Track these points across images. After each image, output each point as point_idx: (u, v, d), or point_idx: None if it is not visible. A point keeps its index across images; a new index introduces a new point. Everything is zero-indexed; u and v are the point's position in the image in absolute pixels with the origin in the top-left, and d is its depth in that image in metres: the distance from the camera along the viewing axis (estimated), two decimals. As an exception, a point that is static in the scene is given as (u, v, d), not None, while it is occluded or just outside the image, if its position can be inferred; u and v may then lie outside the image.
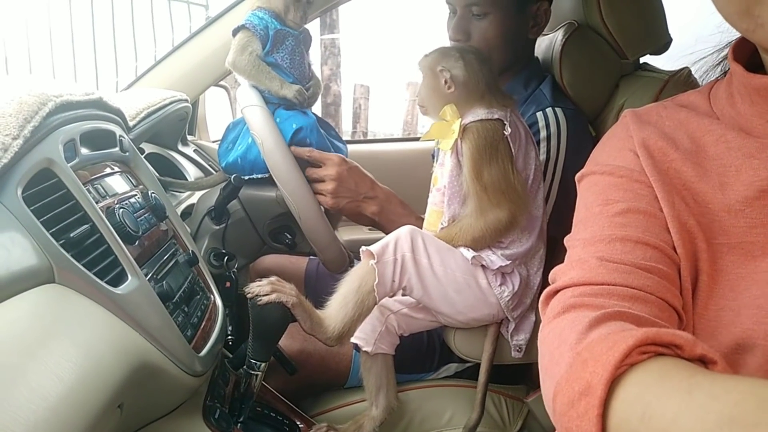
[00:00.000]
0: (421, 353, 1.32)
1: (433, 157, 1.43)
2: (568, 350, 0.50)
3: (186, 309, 0.92)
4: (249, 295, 0.92)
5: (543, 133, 1.20)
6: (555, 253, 1.25)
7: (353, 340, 1.10)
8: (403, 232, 1.01)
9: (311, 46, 1.35)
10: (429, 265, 1.01)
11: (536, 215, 1.07)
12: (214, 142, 2.11)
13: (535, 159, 1.08)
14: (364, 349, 1.10)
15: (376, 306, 1.01)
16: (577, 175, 0.71)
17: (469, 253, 1.02)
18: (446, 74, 1.02)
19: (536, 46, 1.45)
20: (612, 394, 0.43)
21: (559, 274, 0.61)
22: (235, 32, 1.24)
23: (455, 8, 1.26)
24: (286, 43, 1.25)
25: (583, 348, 0.48)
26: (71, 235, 0.71)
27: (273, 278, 0.95)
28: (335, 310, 0.98)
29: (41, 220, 0.67)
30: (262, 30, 1.22)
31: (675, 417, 0.37)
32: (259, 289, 0.92)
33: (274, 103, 1.25)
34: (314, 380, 1.30)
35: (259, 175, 1.25)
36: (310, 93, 1.32)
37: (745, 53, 0.60)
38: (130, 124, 1.16)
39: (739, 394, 0.36)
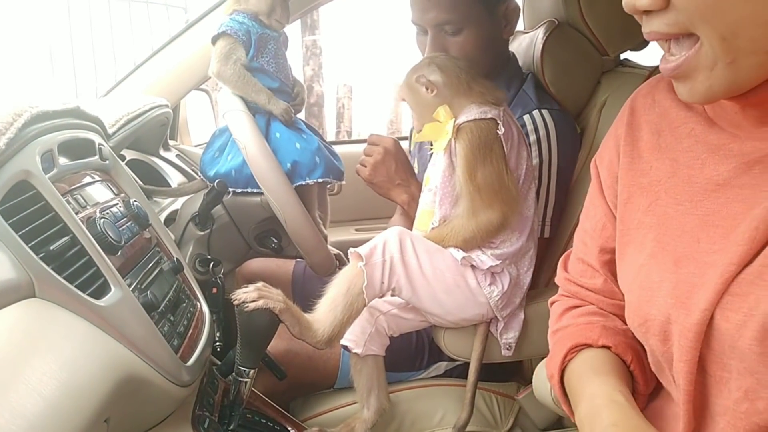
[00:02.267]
0: (411, 352, 1.32)
1: (409, 152, 1.44)
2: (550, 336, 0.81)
3: (172, 318, 0.91)
4: (236, 302, 0.91)
5: (532, 137, 1.20)
6: (550, 254, 1.26)
7: (343, 342, 1.09)
8: (392, 233, 1.01)
9: (289, 48, 1.34)
10: (418, 266, 1.01)
11: (527, 215, 1.08)
12: (196, 146, 2.09)
13: (527, 159, 1.08)
14: (354, 351, 1.10)
15: (365, 307, 1.01)
16: (592, 162, 0.78)
17: (459, 254, 1.02)
18: (422, 80, 1.03)
19: (517, 44, 1.46)
20: (563, 378, 0.72)
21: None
22: (215, 39, 1.22)
23: (425, 29, 1.24)
24: (268, 47, 1.24)
25: (552, 343, 0.78)
26: (51, 247, 0.69)
27: (260, 284, 0.94)
28: (324, 313, 0.98)
29: (20, 233, 0.65)
30: (244, 35, 1.20)
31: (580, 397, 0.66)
32: (246, 295, 0.91)
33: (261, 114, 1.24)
34: (302, 381, 1.29)
35: (254, 190, 1.23)
36: (298, 100, 1.32)
37: None
38: (110, 131, 1.14)
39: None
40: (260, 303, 0.91)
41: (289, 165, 1.22)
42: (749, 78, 0.51)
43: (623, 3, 0.54)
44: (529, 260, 1.09)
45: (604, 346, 0.70)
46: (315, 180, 1.25)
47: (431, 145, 1.08)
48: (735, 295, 0.53)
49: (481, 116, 1.01)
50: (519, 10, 1.30)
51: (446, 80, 1.03)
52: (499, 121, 1.01)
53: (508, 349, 1.11)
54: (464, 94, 1.03)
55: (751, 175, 0.55)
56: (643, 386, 0.69)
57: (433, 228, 1.07)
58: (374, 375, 1.12)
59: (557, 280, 0.84)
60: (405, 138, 2.52)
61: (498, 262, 1.04)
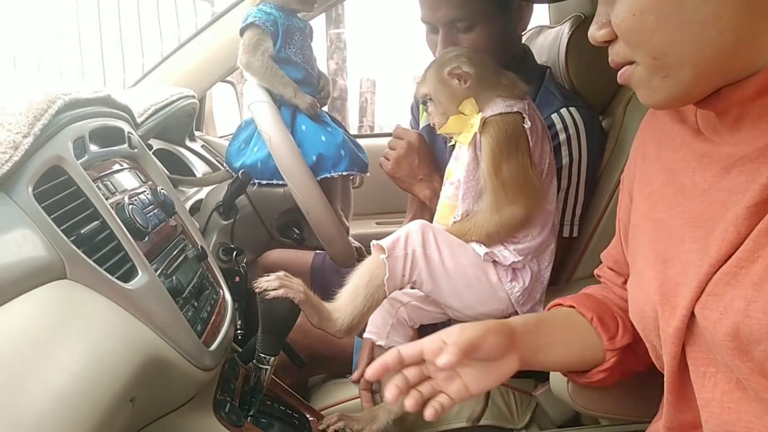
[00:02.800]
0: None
1: (445, 143, 1.43)
2: None
3: (196, 304, 0.93)
4: (258, 290, 0.92)
5: (562, 136, 1.18)
6: (572, 251, 1.26)
7: (366, 335, 1.10)
8: (414, 226, 1.01)
9: (314, 41, 1.35)
10: (440, 260, 1.01)
11: (549, 210, 1.07)
12: (221, 137, 2.12)
13: (549, 153, 1.08)
14: (378, 343, 1.10)
15: (385, 299, 1.02)
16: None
17: (481, 249, 1.02)
18: (457, 71, 1.01)
19: (543, 39, 1.45)
20: None
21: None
22: (242, 30, 1.23)
23: (435, 27, 1.22)
24: (295, 38, 1.25)
25: None
26: (82, 231, 0.71)
27: (281, 273, 0.95)
28: (344, 303, 0.99)
29: (52, 216, 0.67)
30: (272, 26, 1.21)
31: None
32: (268, 284, 0.93)
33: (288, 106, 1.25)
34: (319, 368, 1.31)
35: (279, 182, 1.24)
36: (323, 93, 1.32)
37: None
38: (138, 120, 1.17)
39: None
40: (281, 292, 0.92)
41: (314, 158, 1.23)
42: (687, 86, 0.58)
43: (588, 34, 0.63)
44: (549, 255, 1.09)
45: (570, 306, 0.84)
46: (340, 173, 1.26)
47: (450, 138, 1.08)
48: (713, 295, 0.57)
49: (508, 110, 1.00)
50: (532, 5, 1.28)
51: (478, 71, 1.02)
52: (524, 115, 1.00)
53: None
54: (492, 86, 1.02)
55: (728, 179, 0.60)
56: (606, 341, 0.80)
57: (455, 222, 1.07)
58: None
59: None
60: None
61: (520, 258, 1.04)
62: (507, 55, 1.25)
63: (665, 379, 0.67)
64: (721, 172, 0.60)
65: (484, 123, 1.00)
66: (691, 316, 0.60)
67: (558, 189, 1.16)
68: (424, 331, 1.17)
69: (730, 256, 0.56)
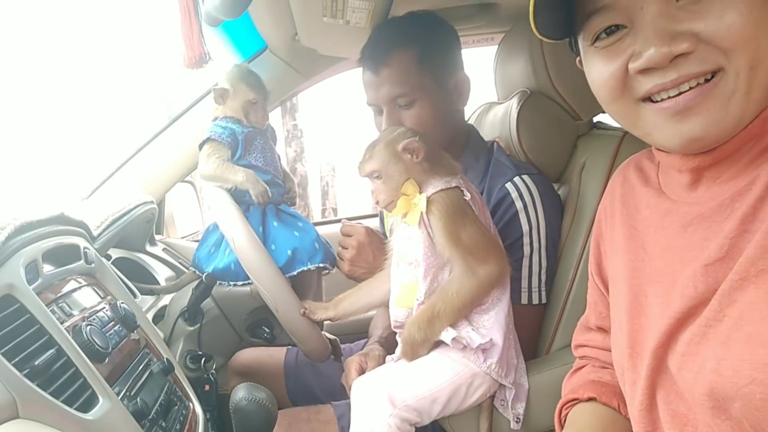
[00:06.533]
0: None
1: (387, 234, 1.43)
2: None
3: (164, 424, 0.87)
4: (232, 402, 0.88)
5: (519, 204, 1.20)
6: (547, 320, 1.24)
7: None
8: (372, 407, 1.02)
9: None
10: (419, 396, 1.01)
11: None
12: (183, 237, 2.08)
13: (489, 218, 1.10)
14: None
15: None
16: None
17: (448, 336, 1.01)
18: (413, 145, 1.03)
19: (492, 115, 1.49)
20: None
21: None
22: (201, 145, 1.26)
23: (379, 107, 1.26)
24: (255, 143, 1.27)
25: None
26: (36, 362, 0.67)
27: None
28: None
29: (3, 350, 0.64)
30: (229, 137, 1.24)
31: None
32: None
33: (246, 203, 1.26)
34: None
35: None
36: (291, 194, 1.35)
37: None
38: (95, 233, 1.14)
39: None
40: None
41: (289, 252, 1.22)
42: (750, 113, 0.56)
43: (648, 58, 0.57)
44: (509, 317, 1.08)
45: (590, 399, 0.80)
46: (316, 265, 1.25)
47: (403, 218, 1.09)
48: (687, 355, 0.58)
49: (447, 185, 1.03)
50: (468, 81, 1.32)
51: (426, 150, 1.05)
52: (462, 189, 1.03)
53: (517, 421, 1.08)
54: (427, 169, 1.05)
55: (685, 237, 0.61)
56: None
57: (419, 303, 1.05)
58: None
59: (573, 350, 0.92)
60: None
61: (488, 340, 1.02)
62: (450, 131, 1.29)
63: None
64: (679, 230, 0.62)
65: (428, 201, 1.02)
66: (670, 376, 0.60)
67: (520, 257, 1.17)
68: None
69: (690, 311, 0.58)
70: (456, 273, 1.03)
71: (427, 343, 1.05)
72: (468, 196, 1.02)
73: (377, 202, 1.09)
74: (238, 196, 1.25)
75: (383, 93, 1.23)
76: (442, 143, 1.21)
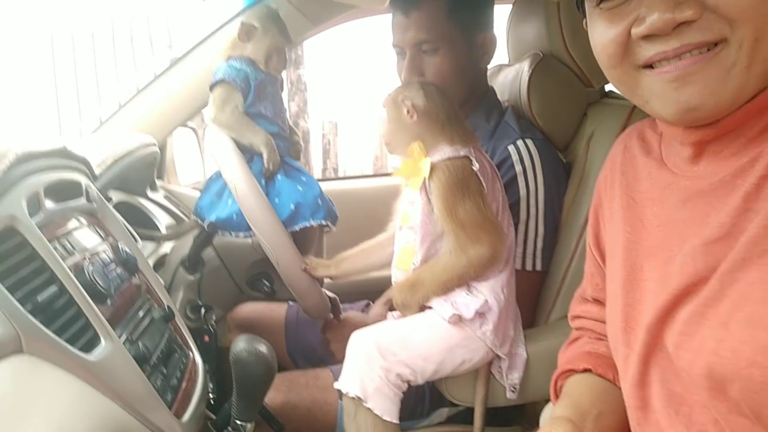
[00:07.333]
0: (411, 400, 1.27)
1: None
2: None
3: (164, 370, 0.85)
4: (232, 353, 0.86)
5: (518, 168, 1.18)
6: (546, 289, 1.23)
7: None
8: (361, 354, 1.03)
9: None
10: (412, 355, 1.02)
11: (508, 244, 1.06)
12: (184, 186, 2.04)
13: (501, 190, 1.08)
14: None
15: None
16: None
17: (445, 312, 1.00)
18: (408, 103, 1.04)
19: (503, 77, 1.45)
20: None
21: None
22: (212, 87, 1.21)
23: (403, 50, 1.27)
24: (267, 92, 1.23)
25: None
26: (39, 298, 0.65)
27: None
28: None
29: (6, 284, 0.61)
30: (242, 81, 1.19)
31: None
32: None
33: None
34: None
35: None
36: (297, 147, 1.32)
37: None
38: (97, 172, 1.10)
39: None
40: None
41: (292, 206, 1.19)
42: (751, 87, 0.55)
43: (651, 23, 0.55)
44: (510, 287, 1.07)
45: (585, 370, 0.80)
46: (318, 222, 1.22)
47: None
48: (685, 335, 0.57)
49: (455, 154, 1.01)
50: (496, 41, 1.32)
51: (427, 111, 1.03)
52: (471, 158, 1.01)
53: (513, 391, 1.08)
54: (438, 132, 1.03)
55: (685, 211, 0.61)
56: None
57: (414, 267, 1.04)
58: None
59: (569, 321, 0.89)
60: (387, 174, 2.50)
61: (482, 302, 1.01)
62: (468, 86, 1.29)
63: (629, 412, 0.66)
64: (679, 204, 0.62)
65: (432, 168, 1.00)
66: (666, 354, 0.60)
67: (516, 222, 1.15)
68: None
69: (688, 288, 0.57)
70: (447, 247, 1.01)
71: (409, 308, 1.05)
72: (476, 166, 1.00)
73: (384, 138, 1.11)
74: (243, 144, 1.21)
75: (409, 36, 1.23)
76: (459, 98, 1.20)
